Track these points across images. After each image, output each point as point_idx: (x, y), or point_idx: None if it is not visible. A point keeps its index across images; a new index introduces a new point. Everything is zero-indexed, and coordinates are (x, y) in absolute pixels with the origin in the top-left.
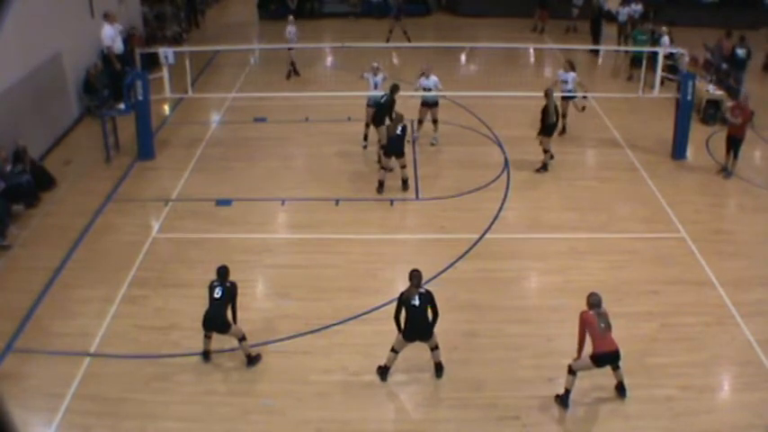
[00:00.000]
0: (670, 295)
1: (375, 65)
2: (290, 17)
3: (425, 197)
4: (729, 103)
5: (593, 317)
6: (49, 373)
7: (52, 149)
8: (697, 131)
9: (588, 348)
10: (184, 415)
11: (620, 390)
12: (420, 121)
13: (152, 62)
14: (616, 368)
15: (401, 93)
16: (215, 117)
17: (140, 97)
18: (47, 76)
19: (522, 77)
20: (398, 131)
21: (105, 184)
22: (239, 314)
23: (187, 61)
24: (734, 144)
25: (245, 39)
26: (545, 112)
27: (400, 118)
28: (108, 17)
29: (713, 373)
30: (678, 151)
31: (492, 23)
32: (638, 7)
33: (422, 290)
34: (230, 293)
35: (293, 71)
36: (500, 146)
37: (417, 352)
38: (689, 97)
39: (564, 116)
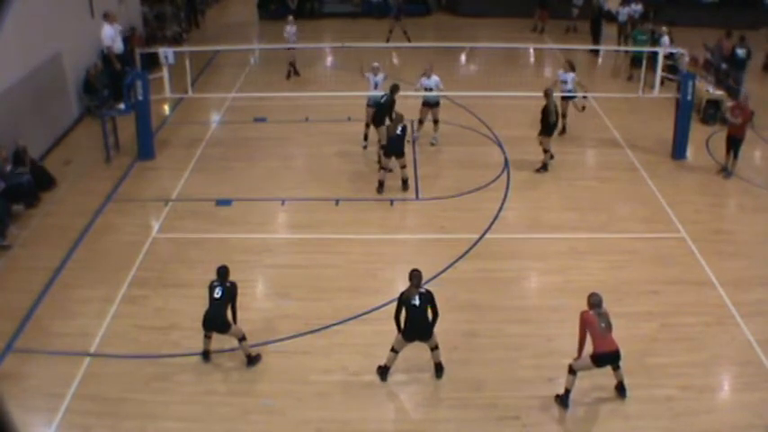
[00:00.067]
0: (670, 295)
1: (375, 65)
2: (290, 17)
3: (425, 197)
4: (729, 103)
5: (594, 317)
6: (49, 373)
7: (52, 149)
8: (697, 131)
9: (588, 348)
10: (184, 415)
11: (620, 390)
12: (421, 122)
13: (152, 62)
14: (616, 368)
15: (401, 93)
16: (215, 117)
17: (140, 97)
18: (47, 76)
19: (522, 77)
20: (398, 131)
21: (105, 184)
22: (239, 314)
23: (187, 61)
24: (734, 144)
25: (245, 39)
26: (545, 111)
27: (400, 118)
28: (108, 17)
29: (713, 373)
30: (678, 151)
31: (492, 23)
32: (638, 7)
33: (422, 290)
34: (230, 293)
35: (293, 71)
36: (500, 146)
37: (417, 352)
38: (689, 97)
39: (564, 116)
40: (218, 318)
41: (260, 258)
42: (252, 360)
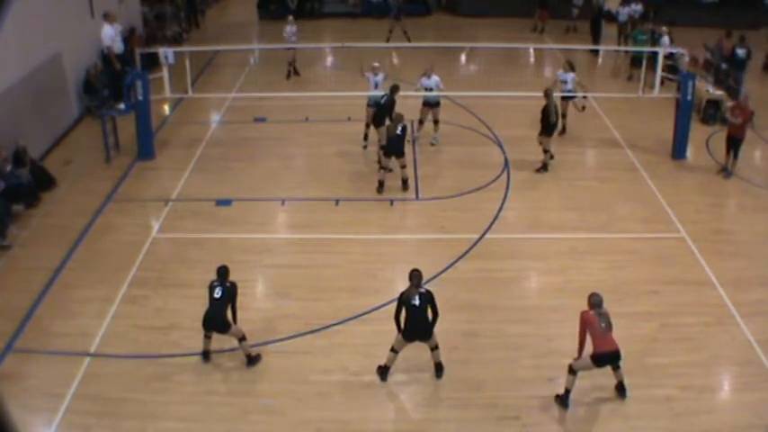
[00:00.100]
0: (670, 295)
1: (375, 64)
2: (290, 17)
3: (425, 197)
4: (729, 103)
5: (594, 317)
6: (49, 373)
7: (52, 149)
8: (697, 131)
9: (589, 348)
10: (184, 415)
11: (620, 390)
12: (421, 122)
13: (152, 62)
14: (616, 368)
15: (401, 93)
16: (215, 117)
17: (140, 97)
18: (47, 76)
19: (522, 77)
20: (398, 131)
21: (105, 184)
22: (239, 314)
23: (187, 61)
24: (734, 144)
25: (245, 39)
26: (545, 112)
27: (400, 118)
28: (108, 17)
29: (713, 373)
30: (678, 151)
31: (492, 23)
32: (638, 7)
33: (422, 290)
34: (230, 293)
35: (293, 71)
36: (500, 146)
37: (417, 352)
38: (689, 97)
39: (564, 116)
40: (218, 318)
41: (260, 258)
42: (252, 360)
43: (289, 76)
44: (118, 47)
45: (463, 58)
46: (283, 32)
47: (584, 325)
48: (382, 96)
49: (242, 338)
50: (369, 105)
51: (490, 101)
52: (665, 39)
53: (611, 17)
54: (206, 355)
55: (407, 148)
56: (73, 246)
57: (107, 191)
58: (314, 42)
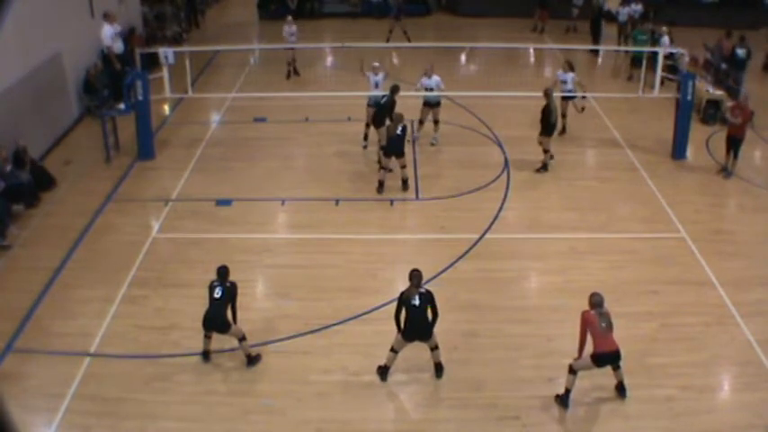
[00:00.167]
0: (670, 295)
1: (376, 64)
2: (289, 17)
3: (425, 197)
4: (729, 103)
5: (595, 316)
6: (49, 373)
7: (52, 149)
8: (697, 131)
9: (589, 348)
10: (184, 415)
11: (621, 390)
12: (421, 122)
13: (152, 62)
14: (616, 368)
15: (402, 93)
16: (215, 117)
17: (140, 97)
18: (47, 76)
19: (522, 77)
20: (398, 131)
21: (105, 184)
22: (239, 314)
23: (187, 61)
24: (734, 144)
25: (245, 39)
26: (545, 111)
27: (400, 118)
28: (108, 17)
29: (713, 373)
30: (678, 151)
31: (492, 23)
32: (638, 7)
33: (422, 290)
34: (230, 293)
35: (293, 71)
36: (500, 146)
37: (417, 352)
38: (689, 97)
39: (564, 116)
40: (218, 318)
41: (260, 258)
42: (252, 360)
43: (289, 76)
44: (118, 47)
45: (463, 58)
46: (283, 33)
47: (585, 325)
48: (382, 97)
49: (242, 338)
50: (369, 105)
51: (490, 101)
52: (665, 39)
53: (611, 17)
54: (206, 355)
55: (407, 148)
56: (73, 246)
57: (107, 191)
58: (314, 42)
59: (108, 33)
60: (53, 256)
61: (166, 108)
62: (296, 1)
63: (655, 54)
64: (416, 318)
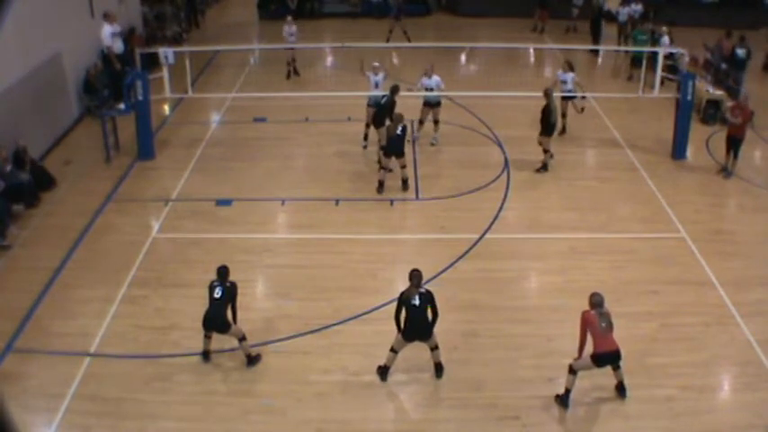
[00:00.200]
0: (670, 295)
1: (376, 64)
2: (288, 17)
3: (425, 197)
4: (729, 103)
5: (595, 316)
6: (49, 373)
7: (52, 149)
8: (697, 131)
9: (589, 348)
10: (184, 415)
11: (621, 390)
12: (421, 122)
13: (152, 62)
14: (616, 368)
15: (402, 93)
16: (215, 117)
17: (140, 97)
18: (47, 76)
19: (522, 77)
20: (398, 131)
21: (105, 184)
22: (239, 314)
23: (187, 61)
24: (734, 144)
25: (245, 39)
26: (545, 111)
27: (400, 118)
28: (108, 17)
29: (713, 373)
30: (678, 151)
31: (492, 23)
32: (638, 7)
33: (422, 290)
34: (230, 293)
35: (293, 71)
36: (500, 146)
37: (417, 352)
38: (689, 97)
39: (564, 116)
40: (218, 318)
41: (260, 258)
42: (252, 360)
43: (289, 76)
44: (118, 47)
45: (463, 58)
46: (283, 33)
47: (585, 324)
48: (382, 97)
49: (242, 338)
50: (369, 105)
51: (490, 101)
52: (665, 39)
53: (611, 17)
54: (206, 355)
55: (407, 148)
56: (73, 246)
57: (107, 191)
58: (314, 42)
59: (108, 33)
60: (53, 256)
61: (166, 108)
62: (296, 1)
63: (655, 54)
64: (416, 318)
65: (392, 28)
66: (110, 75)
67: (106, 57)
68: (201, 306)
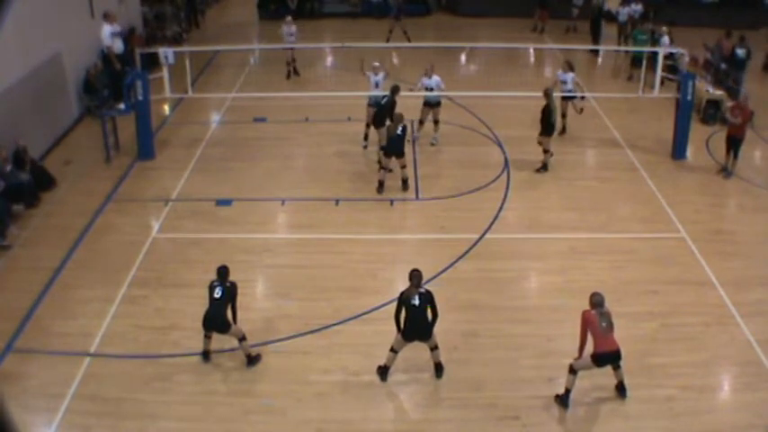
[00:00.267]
0: (670, 295)
1: (376, 64)
2: (288, 18)
3: (425, 197)
4: (729, 103)
5: (595, 316)
6: (49, 373)
7: (52, 149)
8: (697, 131)
9: (589, 348)
10: (184, 415)
11: (621, 390)
12: (421, 122)
13: (152, 62)
14: (617, 368)
15: (402, 93)
16: (215, 117)
17: (140, 97)
18: (47, 76)
19: (522, 77)
20: (399, 131)
21: (105, 184)
22: (239, 314)
23: (187, 61)
24: (734, 144)
25: (245, 39)
26: (545, 111)
27: (400, 118)
28: (108, 17)
29: (713, 373)
30: (678, 151)
31: (492, 23)
32: (638, 7)
33: (422, 290)
34: (230, 293)
35: (293, 71)
36: (500, 146)
37: (417, 352)
38: (689, 97)
39: (564, 116)
40: (218, 318)
41: (260, 258)
42: (252, 360)
43: (289, 76)
44: (118, 47)
45: (463, 58)
46: (282, 33)
47: (585, 324)
48: (383, 97)
49: (242, 338)
50: (369, 105)
51: (490, 101)
52: (665, 39)
53: (611, 17)
54: (206, 355)
55: (407, 148)
56: (73, 246)
57: (107, 191)
58: (314, 42)
59: (108, 33)
60: (53, 256)
61: (166, 108)
62: (296, 1)
63: (655, 54)
64: (416, 318)
65: (392, 28)
66: (110, 75)
67: (106, 57)
68: (201, 306)
